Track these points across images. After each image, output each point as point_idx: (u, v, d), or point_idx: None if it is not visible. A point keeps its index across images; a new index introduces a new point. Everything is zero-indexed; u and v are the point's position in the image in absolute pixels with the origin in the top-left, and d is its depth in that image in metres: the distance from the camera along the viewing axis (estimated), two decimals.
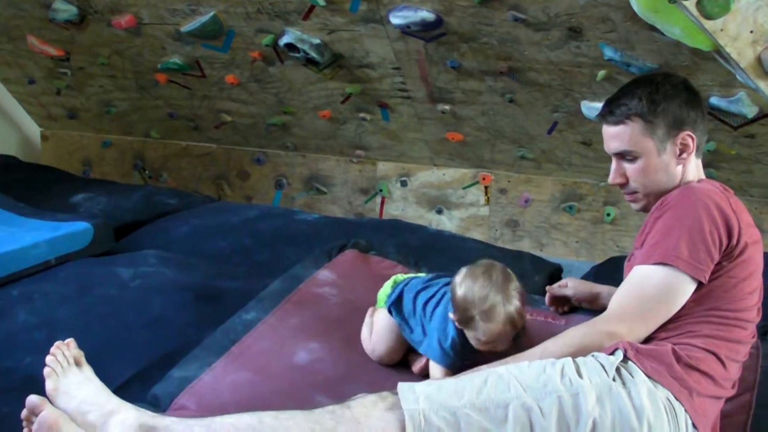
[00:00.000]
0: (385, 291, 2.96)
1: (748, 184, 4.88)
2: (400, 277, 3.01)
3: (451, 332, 2.66)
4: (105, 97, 5.98)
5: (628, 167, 2.64)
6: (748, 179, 4.84)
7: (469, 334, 2.62)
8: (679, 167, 2.62)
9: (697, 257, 2.38)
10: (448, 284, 2.77)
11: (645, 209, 2.70)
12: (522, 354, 2.46)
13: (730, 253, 2.43)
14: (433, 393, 2.21)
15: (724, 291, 2.45)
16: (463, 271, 2.67)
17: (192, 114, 5.84)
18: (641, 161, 2.61)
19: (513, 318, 2.59)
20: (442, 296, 2.79)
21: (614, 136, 2.64)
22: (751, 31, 3.28)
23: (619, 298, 2.48)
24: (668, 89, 2.62)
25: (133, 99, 5.88)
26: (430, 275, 2.95)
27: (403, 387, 2.23)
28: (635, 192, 2.68)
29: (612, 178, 2.69)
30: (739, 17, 3.25)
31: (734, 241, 2.42)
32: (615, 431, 2.18)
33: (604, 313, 2.48)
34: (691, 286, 2.41)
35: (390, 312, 2.87)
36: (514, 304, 2.59)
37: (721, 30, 3.26)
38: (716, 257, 2.41)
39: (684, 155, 2.61)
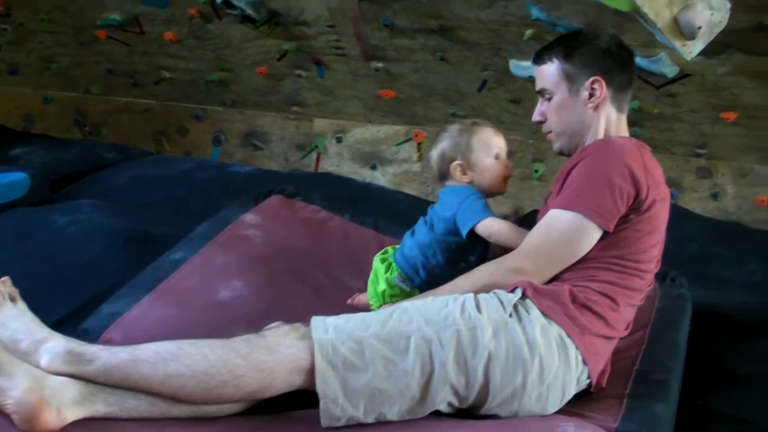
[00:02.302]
0: (378, 283, 2.90)
1: (671, 143, 5.02)
2: (388, 253, 2.98)
3: (465, 193, 2.78)
4: (46, 53, 5.98)
5: (547, 106, 2.80)
6: (670, 137, 4.98)
7: (479, 168, 2.82)
8: (589, 112, 2.74)
9: (604, 207, 2.50)
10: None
11: (561, 151, 2.83)
12: (436, 290, 2.60)
13: (637, 207, 2.55)
14: (341, 324, 2.33)
15: (629, 242, 2.57)
16: (433, 145, 2.94)
17: (132, 70, 5.87)
18: (555, 99, 2.76)
19: (492, 124, 2.90)
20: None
21: (538, 75, 2.82)
22: None
23: (529, 238, 2.59)
24: (590, 38, 2.78)
25: (74, 55, 5.89)
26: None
27: (316, 319, 2.35)
28: (550, 131, 2.82)
29: (534, 115, 2.85)
30: None
31: (642, 197, 2.53)
32: (508, 363, 2.32)
33: (514, 251, 2.60)
34: (597, 234, 2.53)
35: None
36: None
37: None
38: (622, 210, 2.52)
39: (592, 100, 2.73)
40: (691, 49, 3.58)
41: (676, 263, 2.91)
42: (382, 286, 2.84)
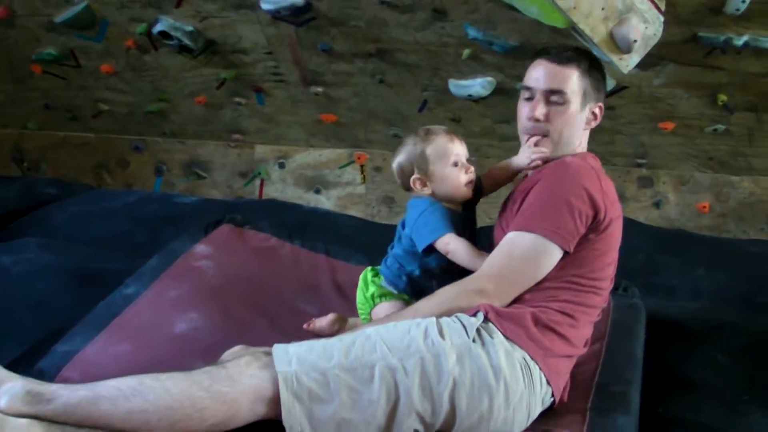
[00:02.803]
0: (367, 289, 2.90)
1: (611, 154, 5.08)
2: (370, 274, 2.96)
3: (423, 206, 2.75)
4: None
5: (553, 109, 2.70)
6: (610, 149, 5.04)
7: (438, 178, 2.75)
8: (583, 133, 2.78)
9: (565, 228, 2.53)
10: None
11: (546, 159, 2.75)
12: (398, 313, 2.62)
13: (596, 227, 2.59)
14: (304, 354, 2.32)
15: (588, 261, 2.61)
16: (392, 159, 2.87)
17: (69, 104, 5.81)
18: (567, 107, 2.70)
19: (447, 129, 2.80)
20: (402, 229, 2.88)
21: (556, 73, 2.71)
22: (603, 8, 3.44)
23: (490, 260, 2.59)
24: (599, 63, 2.83)
25: (9, 91, 5.80)
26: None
27: (277, 349, 2.35)
28: (545, 135, 2.73)
29: (538, 111, 2.71)
30: None
31: (600, 217, 2.57)
32: (474, 389, 2.33)
33: (476, 273, 2.60)
34: (558, 255, 2.55)
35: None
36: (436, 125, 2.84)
37: (574, 8, 3.41)
38: (582, 230, 2.55)
39: (592, 123, 2.79)
40: (628, 63, 3.64)
41: (625, 273, 2.95)
42: (371, 289, 2.84)
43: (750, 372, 2.97)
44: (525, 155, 2.76)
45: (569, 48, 2.80)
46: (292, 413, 2.23)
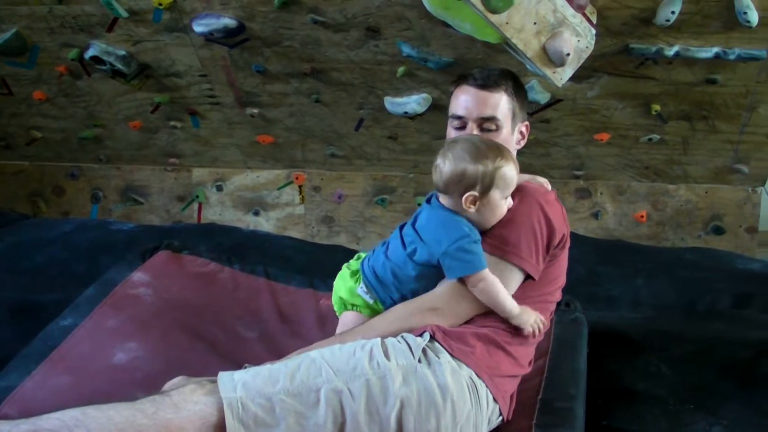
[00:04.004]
0: (345, 283, 2.75)
1: (548, 167, 5.11)
2: (356, 261, 2.82)
3: (465, 229, 2.53)
4: None
5: (487, 136, 2.65)
6: (547, 162, 5.08)
7: (491, 206, 2.53)
8: (515, 152, 2.76)
9: (535, 256, 2.55)
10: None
11: None
12: (350, 332, 2.60)
13: (556, 254, 2.63)
14: (249, 380, 2.31)
15: (542, 285, 2.63)
16: (449, 153, 2.55)
17: (2, 132, 5.72)
18: (500, 132, 2.67)
19: (513, 156, 2.60)
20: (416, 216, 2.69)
21: (486, 99, 2.67)
22: (535, 23, 3.46)
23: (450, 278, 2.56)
24: (521, 82, 2.81)
25: None
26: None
27: (222, 376, 2.33)
28: None
29: None
30: (522, 10, 3.42)
31: (562, 243, 2.63)
32: (421, 409, 2.31)
33: (434, 290, 2.58)
34: (521, 279, 2.57)
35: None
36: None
37: (507, 23, 3.43)
38: (545, 257, 2.58)
39: (521, 143, 2.80)
40: (562, 76, 3.66)
41: (566, 286, 2.95)
42: (342, 293, 2.72)
43: (693, 380, 2.99)
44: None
45: (491, 71, 2.75)
46: None
